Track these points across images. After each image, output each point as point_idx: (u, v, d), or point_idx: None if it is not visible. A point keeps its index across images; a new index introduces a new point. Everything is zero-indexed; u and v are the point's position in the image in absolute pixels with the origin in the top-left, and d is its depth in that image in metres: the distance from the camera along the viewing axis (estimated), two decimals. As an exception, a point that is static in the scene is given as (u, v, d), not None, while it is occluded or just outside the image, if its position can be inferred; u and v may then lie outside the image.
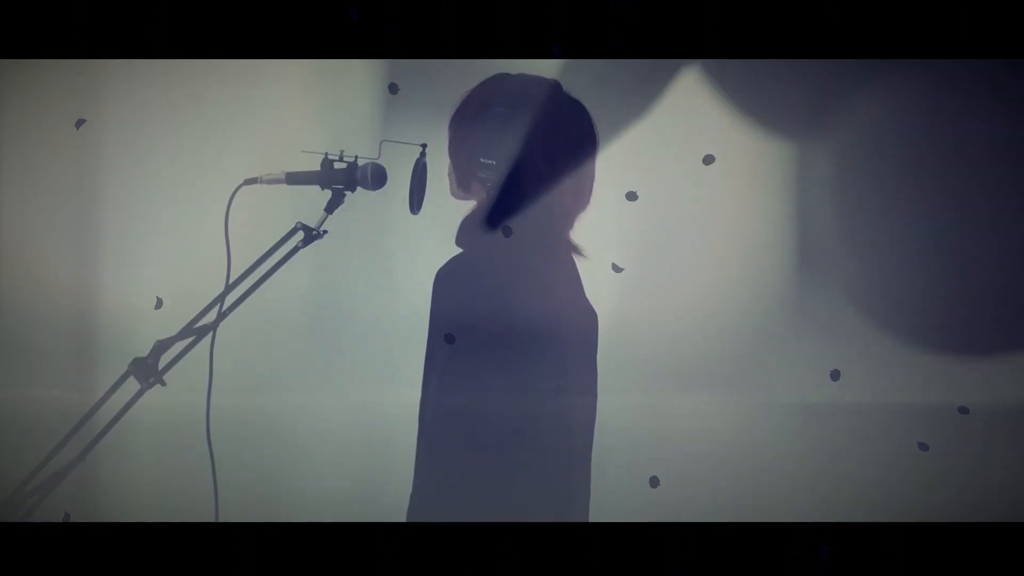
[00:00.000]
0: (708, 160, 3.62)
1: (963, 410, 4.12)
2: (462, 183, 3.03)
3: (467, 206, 3.03)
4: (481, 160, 2.98)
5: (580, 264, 3.07)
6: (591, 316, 3.07)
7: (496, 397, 2.87)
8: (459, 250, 2.97)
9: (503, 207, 2.95)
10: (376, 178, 3.14)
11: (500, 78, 3.05)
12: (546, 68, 3.30)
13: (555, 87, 3.03)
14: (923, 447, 3.87)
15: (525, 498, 2.91)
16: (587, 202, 3.04)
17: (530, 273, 2.94)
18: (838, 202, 4.91)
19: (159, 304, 3.60)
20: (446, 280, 2.90)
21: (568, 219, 3.03)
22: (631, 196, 3.37)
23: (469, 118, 2.99)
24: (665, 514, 3.96)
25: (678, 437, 4.85)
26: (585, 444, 3.03)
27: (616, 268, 3.54)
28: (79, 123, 4.29)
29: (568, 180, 2.98)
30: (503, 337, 2.87)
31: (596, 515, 3.08)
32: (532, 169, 2.96)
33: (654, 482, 3.45)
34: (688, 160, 4.82)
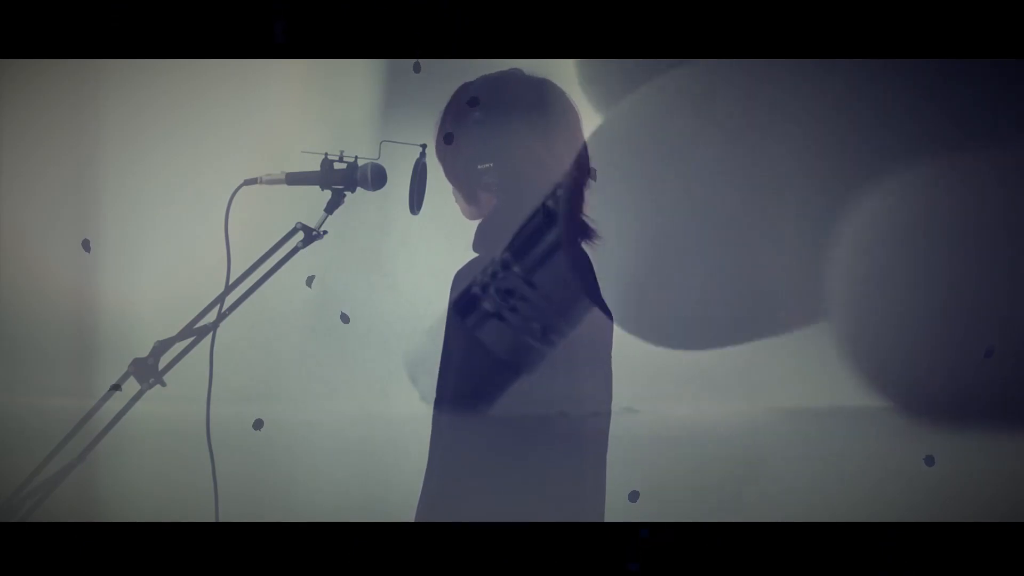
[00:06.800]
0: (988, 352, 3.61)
1: (989, 352, 4.02)
2: (470, 199, 3.03)
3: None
4: (478, 167, 2.98)
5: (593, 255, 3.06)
6: (605, 318, 3.06)
7: (509, 400, 2.87)
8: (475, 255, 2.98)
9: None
10: (376, 178, 3.14)
11: (464, 89, 3.05)
12: (536, 66, 3.30)
13: (517, 74, 3.04)
14: (929, 462, 3.82)
15: (536, 501, 2.91)
16: (588, 170, 3.04)
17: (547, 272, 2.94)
18: (839, 201, 4.91)
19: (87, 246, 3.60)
20: (465, 278, 2.90)
21: (579, 192, 3.02)
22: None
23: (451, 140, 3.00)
24: (666, 514, 3.96)
25: (679, 438, 4.85)
26: (599, 447, 3.02)
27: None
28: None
29: (565, 155, 2.99)
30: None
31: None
32: (531, 158, 2.96)
33: (633, 497, 3.45)
34: (689, 161, 4.82)
